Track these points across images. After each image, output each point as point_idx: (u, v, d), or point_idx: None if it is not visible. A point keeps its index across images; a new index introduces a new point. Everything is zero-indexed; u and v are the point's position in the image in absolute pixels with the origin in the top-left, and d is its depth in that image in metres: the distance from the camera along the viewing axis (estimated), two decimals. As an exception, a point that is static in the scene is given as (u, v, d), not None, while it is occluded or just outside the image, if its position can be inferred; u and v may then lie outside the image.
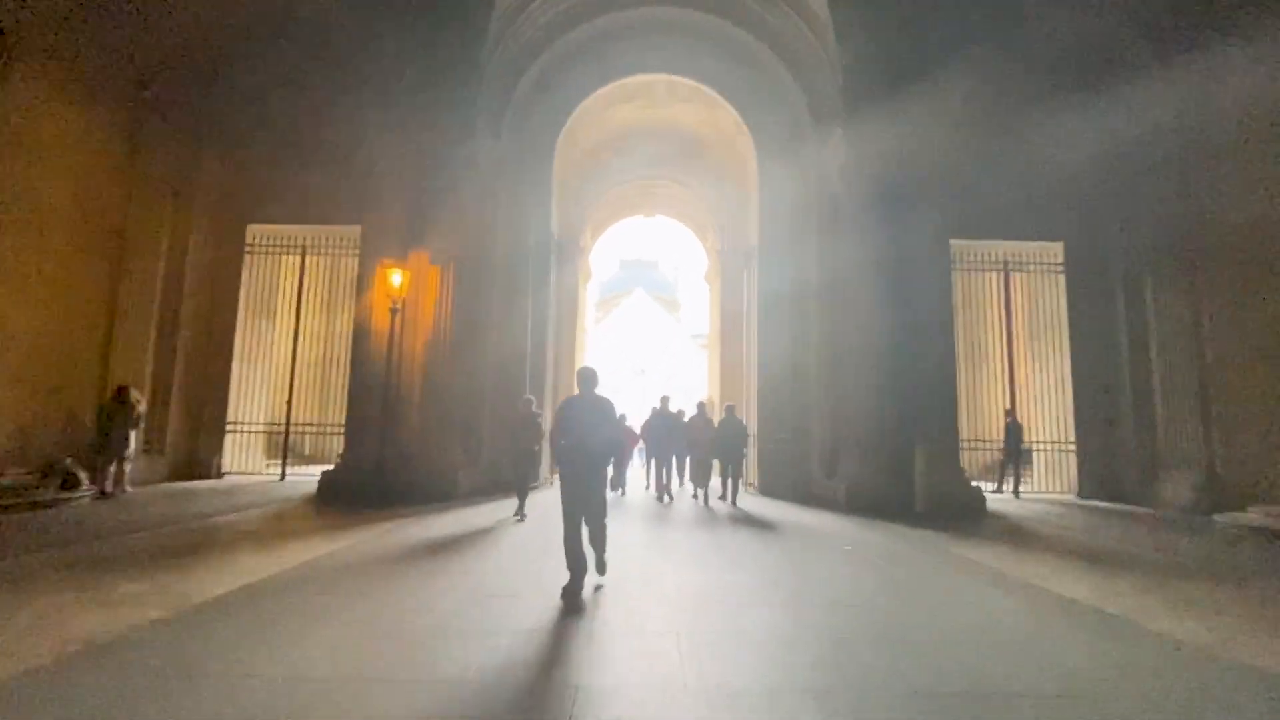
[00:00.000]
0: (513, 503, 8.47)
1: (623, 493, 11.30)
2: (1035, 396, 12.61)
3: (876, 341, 10.05)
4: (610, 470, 6.35)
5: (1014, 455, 11.99)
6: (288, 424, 11.74)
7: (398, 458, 9.45)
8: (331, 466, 9.97)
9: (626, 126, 15.99)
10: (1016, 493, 11.72)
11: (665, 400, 11.71)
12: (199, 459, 11.28)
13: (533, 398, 9.38)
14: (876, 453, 9.84)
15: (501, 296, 11.22)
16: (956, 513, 9.09)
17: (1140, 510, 10.18)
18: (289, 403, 11.72)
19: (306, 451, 13.86)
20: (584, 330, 18.51)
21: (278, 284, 12.33)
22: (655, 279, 55.13)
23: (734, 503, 10.07)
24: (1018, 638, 3.86)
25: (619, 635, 3.82)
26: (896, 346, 10.03)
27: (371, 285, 10.07)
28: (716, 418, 11.86)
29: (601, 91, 12.67)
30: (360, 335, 10.16)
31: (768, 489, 11.56)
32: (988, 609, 4.51)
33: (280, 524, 7.51)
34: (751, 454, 11.85)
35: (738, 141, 13.09)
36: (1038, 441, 12.28)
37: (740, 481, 10.66)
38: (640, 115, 15.62)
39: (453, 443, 10.05)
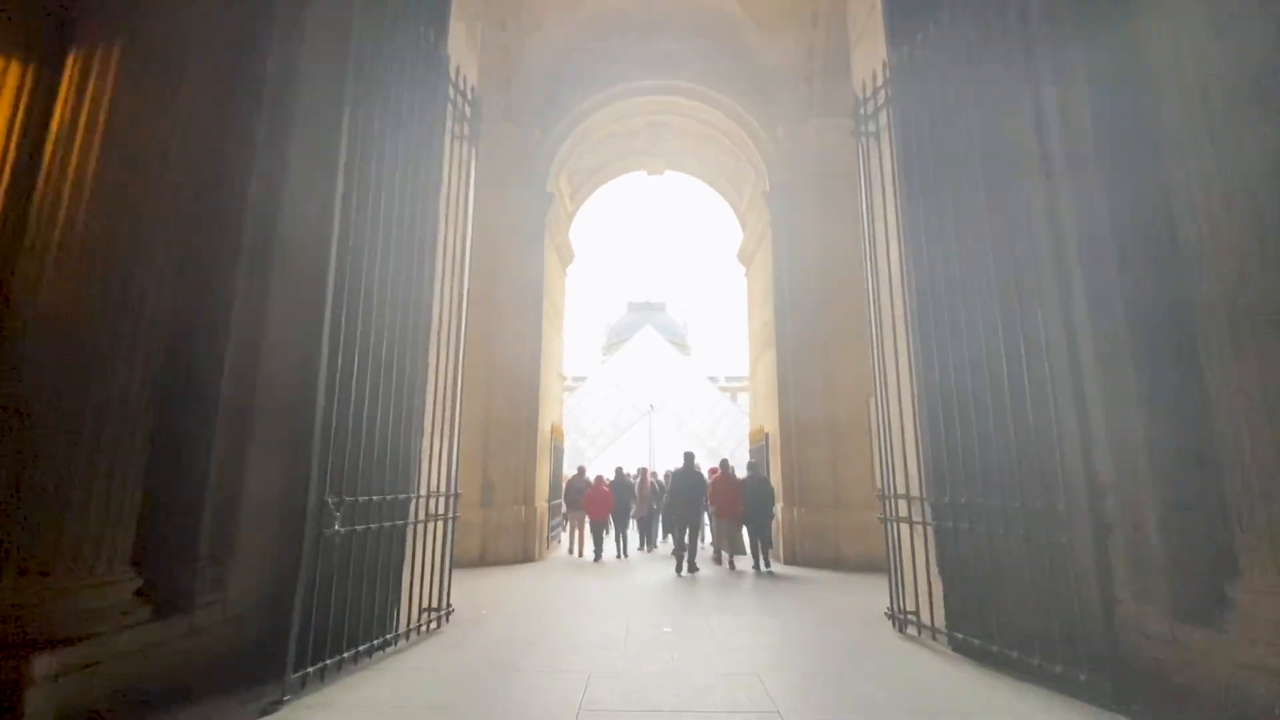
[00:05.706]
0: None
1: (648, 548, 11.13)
2: None
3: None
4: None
5: None
6: None
7: None
8: None
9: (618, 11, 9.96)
10: None
11: (689, 457, 9.71)
12: None
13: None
14: None
15: (303, 156, 4.59)
16: None
17: None
18: None
19: None
20: (558, 313, 11.87)
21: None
22: (664, 322, 52.39)
23: (765, 566, 8.76)
24: None
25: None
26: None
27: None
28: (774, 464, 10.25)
29: None
30: None
31: (964, 625, 4.45)
32: None
33: None
34: (915, 543, 4.88)
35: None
36: None
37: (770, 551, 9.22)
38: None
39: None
